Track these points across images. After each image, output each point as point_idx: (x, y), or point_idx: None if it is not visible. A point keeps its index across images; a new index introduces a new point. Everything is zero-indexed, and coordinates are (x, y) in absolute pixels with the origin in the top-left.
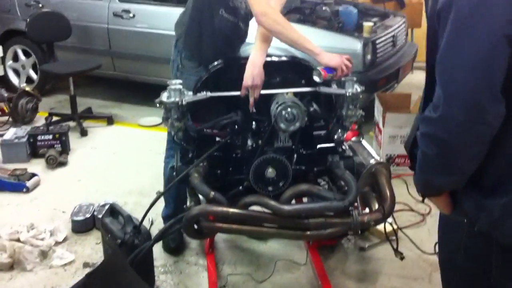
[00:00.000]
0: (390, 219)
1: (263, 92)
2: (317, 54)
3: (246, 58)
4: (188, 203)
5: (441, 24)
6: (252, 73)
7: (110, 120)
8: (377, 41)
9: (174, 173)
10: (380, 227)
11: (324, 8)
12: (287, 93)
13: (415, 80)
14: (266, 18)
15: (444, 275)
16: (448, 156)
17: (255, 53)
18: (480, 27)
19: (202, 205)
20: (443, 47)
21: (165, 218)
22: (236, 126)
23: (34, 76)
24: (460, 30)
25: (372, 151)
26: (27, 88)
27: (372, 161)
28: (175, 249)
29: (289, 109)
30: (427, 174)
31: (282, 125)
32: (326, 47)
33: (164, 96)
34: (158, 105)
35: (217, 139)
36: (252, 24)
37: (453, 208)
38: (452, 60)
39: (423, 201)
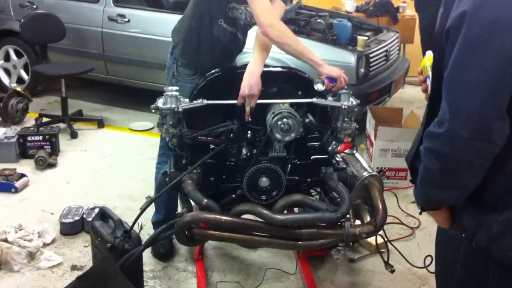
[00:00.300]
0: (380, 232)
1: (260, 101)
2: (320, 65)
3: (243, 67)
4: (180, 210)
5: (450, 41)
6: (250, 82)
7: (100, 123)
8: (371, 55)
9: (167, 179)
10: (371, 239)
11: (318, 20)
12: (283, 103)
13: (406, 95)
14: (272, 29)
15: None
16: (450, 171)
17: (253, 63)
18: (490, 47)
19: (195, 212)
20: (452, 64)
21: (155, 223)
22: (232, 135)
23: (25, 76)
24: (470, 48)
25: (365, 164)
26: (18, 88)
27: (365, 174)
28: (165, 254)
29: (285, 120)
30: (428, 188)
31: (278, 135)
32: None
33: (160, 102)
34: (153, 110)
35: (212, 146)
36: (250, 33)
37: (452, 222)
38: (460, 78)
39: (420, 213)
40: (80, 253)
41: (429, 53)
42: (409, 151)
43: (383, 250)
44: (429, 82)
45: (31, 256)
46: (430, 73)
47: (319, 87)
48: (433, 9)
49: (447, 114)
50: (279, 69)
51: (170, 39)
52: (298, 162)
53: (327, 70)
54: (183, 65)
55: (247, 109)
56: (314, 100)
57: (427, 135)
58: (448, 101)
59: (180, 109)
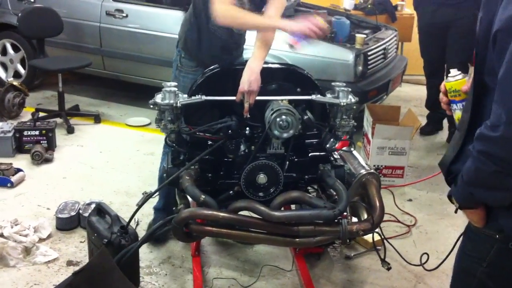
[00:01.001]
0: (377, 229)
1: (258, 98)
2: (282, 27)
3: (242, 64)
4: (177, 206)
5: (498, 45)
6: (249, 78)
7: (97, 119)
8: (369, 53)
9: (164, 175)
10: (367, 236)
11: (317, 18)
12: (282, 100)
13: (404, 93)
14: (218, 18)
15: (457, 284)
16: (506, 174)
17: (253, 59)
18: None
19: (192, 208)
20: (505, 69)
21: (155, 210)
22: (230, 131)
23: (22, 70)
24: None
25: (363, 161)
26: (15, 83)
27: (362, 171)
28: (159, 237)
29: (283, 117)
30: (476, 189)
31: (276, 132)
32: (318, 57)
33: (158, 98)
34: (152, 106)
35: (210, 142)
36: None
37: (486, 222)
38: None
39: (456, 212)
40: (76, 248)
41: (457, 76)
42: (446, 156)
43: (380, 247)
44: (455, 107)
45: (27, 251)
46: (459, 98)
47: (289, 49)
48: (430, 8)
49: (502, 118)
50: (278, 65)
51: (168, 35)
52: (296, 159)
53: (289, 28)
54: (186, 57)
55: (246, 105)
56: (313, 97)
57: (481, 138)
58: (504, 106)
59: (178, 105)
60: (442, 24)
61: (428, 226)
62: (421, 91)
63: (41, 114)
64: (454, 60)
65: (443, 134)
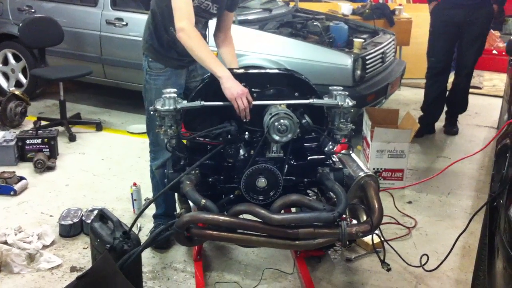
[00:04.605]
0: (377, 231)
1: (257, 103)
2: (220, 77)
3: (240, 69)
4: (178, 210)
5: None
6: (226, 86)
7: (99, 126)
8: (367, 57)
9: (165, 180)
10: (367, 238)
11: (315, 23)
12: (280, 104)
13: (402, 97)
14: (183, 33)
15: None
16: None
17: (222, 69)
18: None
19: (193, 212)
20: None
21: (155, 217)
22: (229, 136)
23: (23, 80)
24: None
25: (361, 164)
26: (17, 92)
27: (361, 174)
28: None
29: (281, 121)
30: None
31: (275, 136)
32: (317, 62)
33: (158, 104)
34: (152, 112)
35: (209, 147)
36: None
37: None
38: None
39: None
40: (79, 254)
41: None
42: None
43: (380, 249)
44: None
45: (31, 258)
46: None
47: None
48: (444, 8)
49: None
50: (276, 71)
51: None
52: (295, 163)
53: (225, 86)
54: (153, 61)
55: (242, 110)
56: (311, 101)
57: None
58: None
59: (178, 107)
60: (454, 25)
61: (428, 227)
62: (420, 95)
63: (43, 122)
64: (466, 61)
65: (441, 137)
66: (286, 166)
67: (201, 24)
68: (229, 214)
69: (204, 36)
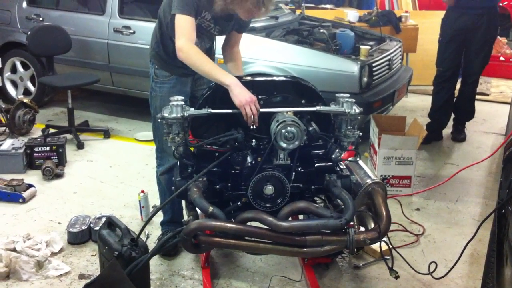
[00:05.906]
0: (385, 238)
1: (264, 110)
2: (228, 85)
3: (246, 76)
4: (186, 217)
5: None
6: (234, 92)
7: (106, 134)
8: (374, 64)
9: (173, 188)
10: (375, 246)
11: (321, 30)
12: (287, 112)
13: (409, 104)
14: (182, 53)
15: None
16: None
17: (229, 77)
18: None
19: (201, 220)
20: None
21: (163, 223)
22: (236, 143)
23: (31, 88)
24: None
25: (369, 171)
26: (25, 100)
27: (368, 181)
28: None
29: (288, 128)
30: None
31: (282, 143)
32: (323, 69)
33: (166, 112)
34: (159, 120)
35: (216, 155)
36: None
37: None
38: None
39: None
40: (88, 262)
41: None
42: None
43: (388, 257)
44: None
45: (39, 265)
46: None
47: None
48: (454, 14)
49: None
50: (283, 78)
51: None
52: (302, 170)
53: (233, 93)
54: (159, 68)
55: (250, 117)
56: (318, 108)
57: None
58: None
59: (186, 114)
60: (462, 31)
61: (436, 235)
62: (427, 101)
63: (51, 130)
64: (473, 68)
65: (449, 144)
66: (293, 173)
67: (206, 37)
68: (236, 221)
69: (210, 48)
